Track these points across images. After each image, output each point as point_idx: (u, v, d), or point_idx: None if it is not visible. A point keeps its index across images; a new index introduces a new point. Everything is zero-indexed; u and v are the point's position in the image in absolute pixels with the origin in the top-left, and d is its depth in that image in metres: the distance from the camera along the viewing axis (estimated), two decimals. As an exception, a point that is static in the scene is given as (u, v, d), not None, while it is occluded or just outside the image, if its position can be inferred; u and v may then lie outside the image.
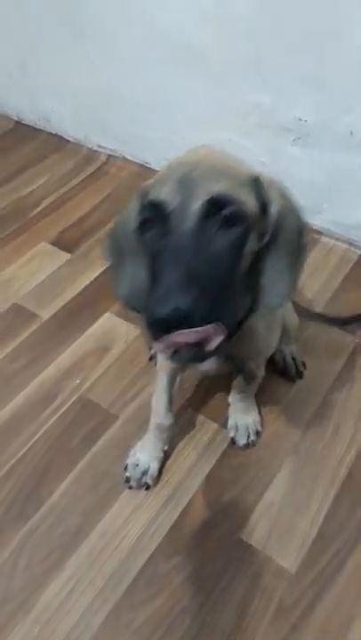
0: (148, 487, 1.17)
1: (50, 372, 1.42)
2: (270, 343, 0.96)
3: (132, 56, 1.74)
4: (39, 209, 1.93)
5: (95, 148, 2.13)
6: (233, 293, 0.64)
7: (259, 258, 0.68)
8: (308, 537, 1.08)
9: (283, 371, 1.34)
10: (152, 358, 1.41)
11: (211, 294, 0.58)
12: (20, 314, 1.56)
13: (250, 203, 0.64)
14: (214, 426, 1.27)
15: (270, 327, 0.91)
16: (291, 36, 1.38)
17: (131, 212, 0.73)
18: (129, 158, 2.06)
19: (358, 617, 0.99)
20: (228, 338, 0.62)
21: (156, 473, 1.18)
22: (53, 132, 2.24)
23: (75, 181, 2.04)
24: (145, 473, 1.17)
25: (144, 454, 1.19)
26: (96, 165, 2.09)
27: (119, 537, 1.12)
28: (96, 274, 1.68)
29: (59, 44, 1.91)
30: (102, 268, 1.69)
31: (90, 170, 2.08)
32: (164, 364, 1.10)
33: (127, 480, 1.18)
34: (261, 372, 1.13)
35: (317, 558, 1.06)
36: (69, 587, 1.06)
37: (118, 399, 1.34)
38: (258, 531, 1.10)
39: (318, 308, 1.51)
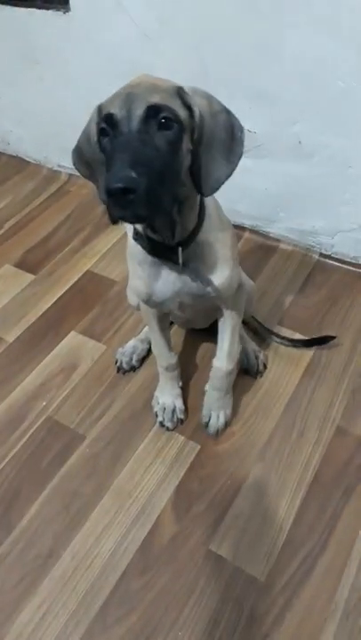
0: (182, 422, 1.31)
1: (16, 395, 1.42)
2: (230, 262, 1.01)
3: (83, 79, 1.76)
4: (1, 232, 1.93)
5: (56, 168, 2.14)
6: (171, 182, 0.78)
7: (197, 155, 0.81)
8: (277, 544, 1.09)
9: (246, 369, 1.39)
10: (120, 369, 1.43)
11: (152, 176, 0.72)
12: (-16, 338, 1.56)
13: (180, 110, 0.77)
14: (181, 438, 1.28)
15: (225, 243, 1.00)
16: (234, 50, 1.41)
17: (91, 126, 0.84)
18: (90, 176, 2.07)
19: (330, 620, 1.00)
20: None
21: (182, 407, 1.32)
22: (14, 154, 2.25)
23: (36, 202, 2.05)
24: (174, 411, 1.30)
25: (165, 397, 1.31)
26: (57, 185, 2.11)
27: (91, 556, 1.12)
28: (60, 292, 1.69)
29: (14, 70, 1.93)
30: (67, 287, 1.70)
31: (51, 190, 2.09)
32: (148, 312, 1.15)
33: (161, 424, 1.30)
34: (239, 313, 1.17)
35: (287, 564, 1.07)
36: (42, 611, 1.05)
37: (85, 418, 1.34)
38: (227, 541, 1.11)
39: (279, 313, 1.54)
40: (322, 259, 1.68)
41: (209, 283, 0.99)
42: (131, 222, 0.85)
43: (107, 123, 0.76)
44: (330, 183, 1.52)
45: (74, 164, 0.93)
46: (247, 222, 1.76)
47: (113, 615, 1.04)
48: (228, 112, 0.83)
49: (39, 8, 1.70)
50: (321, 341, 1.41)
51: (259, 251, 1.73)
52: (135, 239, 0.96)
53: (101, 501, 1.19)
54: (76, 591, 1.07)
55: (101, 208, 1.99)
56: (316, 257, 1.69)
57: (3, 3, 1.77)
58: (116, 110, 0.75)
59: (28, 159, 2.22)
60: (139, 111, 0.74)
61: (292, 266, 1.67)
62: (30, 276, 1.75)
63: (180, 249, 0.92)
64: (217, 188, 0.83)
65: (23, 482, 1.24)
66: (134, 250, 0.98)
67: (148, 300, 1.04)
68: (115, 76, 1.67)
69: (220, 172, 0.82)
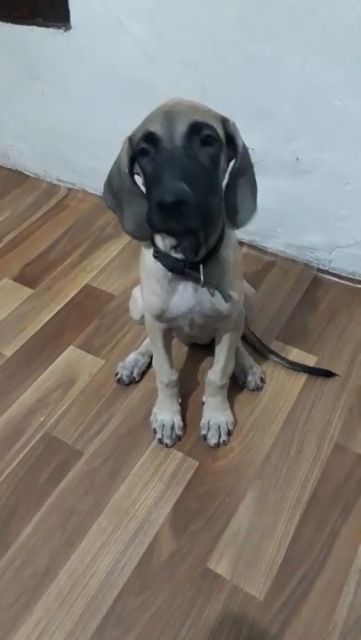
0: (180, 439, 1.30)
1: (14, 410, 1.41)
2: (241, 281, 1.07)
3: (84, 95, 1.78)
4: (0, 245, 1.94)
5: (55, 182, 2.16)
6: (216, 196, 0.81)
7: (235, 184, 0.86)
8: (275, 562, 1.09)
9: (243, 383, 1.39)
10: (119, 381, 1.43)
11: (201, 190, 0.74)
12: (-18, 353, 1.56)
13: (220, 130, 0.81)
14: (179, 455, 1.28)
15: (237, 261, 1.03)
16: (232, 68, 1.43)
17: (122, 156, 0.86)
18: (89, 191, 2.09)
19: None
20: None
21: (181, 424, 1.31)
22: (13, 168, 2.26)
23: (36, 216, 2.06)
24: (173, 428, 1.29)
25: (164, 413, 1.31)
26: (57, 199, 2.12)
27: (88, 575, 1.11)
28: (59, 307, 1.69)
29: (15, 85, 1.95)
30: (65, 301, 1.70)
31: (51, 204, 2.11)
32: (154, 327, 1.16)
33: (160, 441, 1.29)
34: (238, 332, 1.22)
35: (285, 583, 1.06)
36: (39, 630, 1.04)
37: (83, 434, 1.34)
38: (225, 559, 1.10)
39: (277, 328, 1.54)
40: (320, 274, 1.69)
41: (223, 300, 0.99)
42: (179, 235, 0.87)
43: (147, 141, 0.78)
44: (327, 199, 1.53)
45: (103, 194, 0.96)
46: (245, 237, 1.77)
47: (110, 635, 1.03)
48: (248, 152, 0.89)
49: (40, 26, 1.72)
50: (318, 372, 1.41)
51: (257, 265, 1.74)
52: (155, 257, 0.97)
53: (99, 519, 1.18)
54: (72, 610, 1.06)
55: (100, 222, 2.00)
56: (314, 272, 1.70)
57: (4, 20, 1.80)
58: (157, 128, 0.77)
59: (27, 173, 2.23)
60: (182, 127, 0.76)
61: (290, 281, 1.68)
62: (29, 290, 1.76)
63: (201, 266, 0.94)
64: (248, 220, 0.88)
65: (20, 498, 1.23)
66: (153, 268, 0.99)
67: (161, 316, 1.06)
68: (114, 93, 1.71)
69: (250, 204, 0.87)
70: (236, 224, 0.88)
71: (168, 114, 0.78)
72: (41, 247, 1.92)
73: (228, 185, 0.86)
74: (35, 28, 1.73)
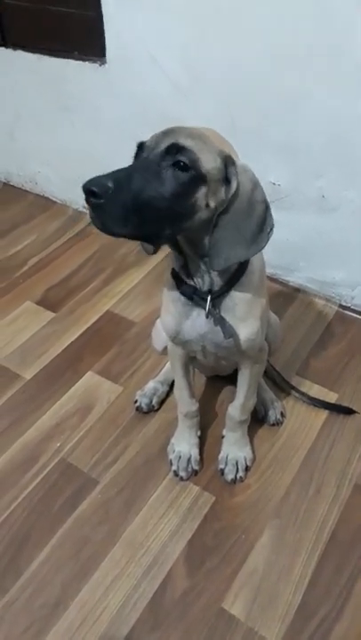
0: (196, 473, 1.28)
1: (31, 434, 1.41)
2: (258, 323, 1.01)
3: (114, 126, 1.83)
4: (25, 268, 1.97)
5: (81, 209, 2.20)
6: (163, 216, 0.79)
7: (216, 225, 0.83)
8: (292, 606, 1.06)
9: (263, 417, 1.38)
10: (138, 409, 1.43)
11: (134, 198, 0.75)
12: (2, 374, 1.57)
13: (208, 164, 0.79)
14: (196, 489, 1.26)
15: (258, 304, 1.01)
16: (262, 105, 1.46)
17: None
18: (113, 218, 2.11)
19: None
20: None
21: (198, 458, 1.30)
22: (40, 194, 2.31)
23: (60, 241, 2.09)
24: (189, 461, 1.28)
25: (182, 445, 1.29)
26: (81, 226, 2.15)
27: (99, 608, 1.09)
28: (80, 332, 1.70)
29: (44, 114, 2.01)
30: (86, 326, 1.71)
31: (75, 230, 2.14)
32: (175, 353, 1.16)
33: (176, 474, 1.28)
34: (260, 368, 1.19)
35: (302, 629, 1.03)
36: (47, 665, 1.02)
37: (99, 462, 1.33)
38: (240, 600, 1.07)
39: (297, 362, 1.53)
40: (341, 310, 1.69)
41: (233, 338, 0.99)
42: (104, 232, 0.81)
43: (139, 148, 0.84)
44: (352, 237, 1.54)
45: None
46: (267, 270, 1.76)
47: (120, 674, 1.00)
48: (267, 207, 0.86)
49: (76, 59, 1.78)
50: (339, 409, 1.39)
51: (278, 299, 1.74)
52: (173, 276, 0.98)
53: (112, 550, 1.17)
54: (82, 645, 1.04)
55: (123, 250, 2.01)
56: (336, 308, 1.69)
57: (39, 52, 1.86)
58: (149, 140, 0.82)
59: (54, 199, 2.28)
60: (163, 145, 0.79)
61: (312, 316, 1.68)
62: (51, 314, 1.77)
63: (208, 297, 0.94)
64: (223, 266, 0.86)
65: (34, 525, 1.22)
66: (171, 287, 1.01)
67: (175, 338, 1.06)
68: (145, 126, 1.73)
69: (234, 253, 0.85)
70: (211, 265, 0.87)
71: (166, 131, 0.81)
72: (64, 272, 1.95)
73: (214, 223, 0.84)
74: (70, 61, 1.79)
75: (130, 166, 0.80)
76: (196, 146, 0.79)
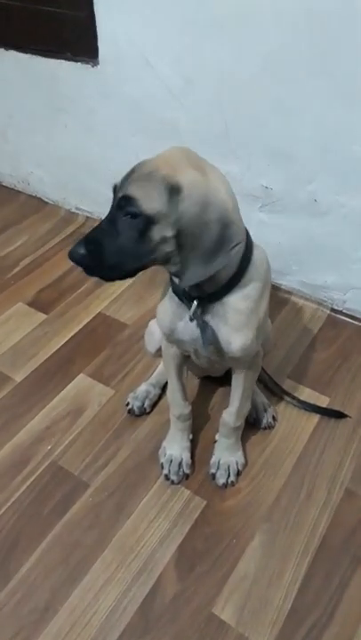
0: (187, 477, 1.28)
1: (22, 437, 1.40)
2: (253, 332, 1.01)
3: (107, 128, 1.82)
4: (17, 270, 1.95)
5: (73, 210, 2.19)
6: (130, 258, 0.87)
7: (180, 247, 0.87)
8: (282, 611, 1.06)
9: (255, 421, 1.38)
10: (130, 411, 1.43)
11: (105, 254, 0.86)
12: (-7, 376, 1.56)
13: (154, 204, 0.83)
14: (187, 493, 1.26)
15: (254, 314, 1.01)
16: (255, 111, 1.46)
17: None
18: (106, 220, 2.11)
19: None
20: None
21: (189, 461, 1.29)
22: (33, 195, 2.30)
23: (53, 242, 2.08)
24: (180, 465, 1.28)
25: (173, 448, 1.29)
26: (74, 227, 2.14)
27: (89, 613, 1.08)
28: (71, 334, 1.69)
29: (37, 115, 1.99)
30: (78, 328, 1.71)
31: (68, 231, 2.13)
32: (168, 352, 1.16)
33: (167, 478, 1.27)
34: (255, 374, 1.19)
35: (292, 634, 1.03)
36: (36, 671, 1.01)
37: (90, 465, 1.32)
38: (231, 605, 1.07)
39: (289, 366, 1.53)
40: (333, 314, 1.69)
41: (225, 344, 1.00)
42: (104, 281, 0.94)
43: (113, 191, 0.89)
44: (343, 241, 1.54)
45: None
46: (260, 273, 1.78)
47: None
48: (224, 225, 0.84)
49: (68, 60, 1.77)
50: (330, 413, 1.39)
51: (270, 302, 1.73)
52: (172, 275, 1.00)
53: (102, 554, 1.16)
54: (71, 651, 1.03)
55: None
56: (328, 312, 1.70)
57: (31, 52, 1.85)
58: (117, 184, 0.88)
59: (46, 200, 2.26)
60: (118, 195, 0.86)
61: (304, 319, 1.68)
62: (42, 316, 1.76)
63: (195, 302, 0.95)
64: (189, 284, 0.90)
65: (23, 529, 1.21)
66: (170, 283, 1.02)
67: (170, 336, 1.07)
68: (138, 128, 1.75)
69: (194, 272, 0.87)
70: (181, 282, 0.91)
71: (127, 174, 0.87)
72: (56, 273, 1.93)
73: (177, 247, 0.87)
74: (63, 62, 1.78)
75: (102, 221, 0.88)
76: (141, 191, 0.83)
